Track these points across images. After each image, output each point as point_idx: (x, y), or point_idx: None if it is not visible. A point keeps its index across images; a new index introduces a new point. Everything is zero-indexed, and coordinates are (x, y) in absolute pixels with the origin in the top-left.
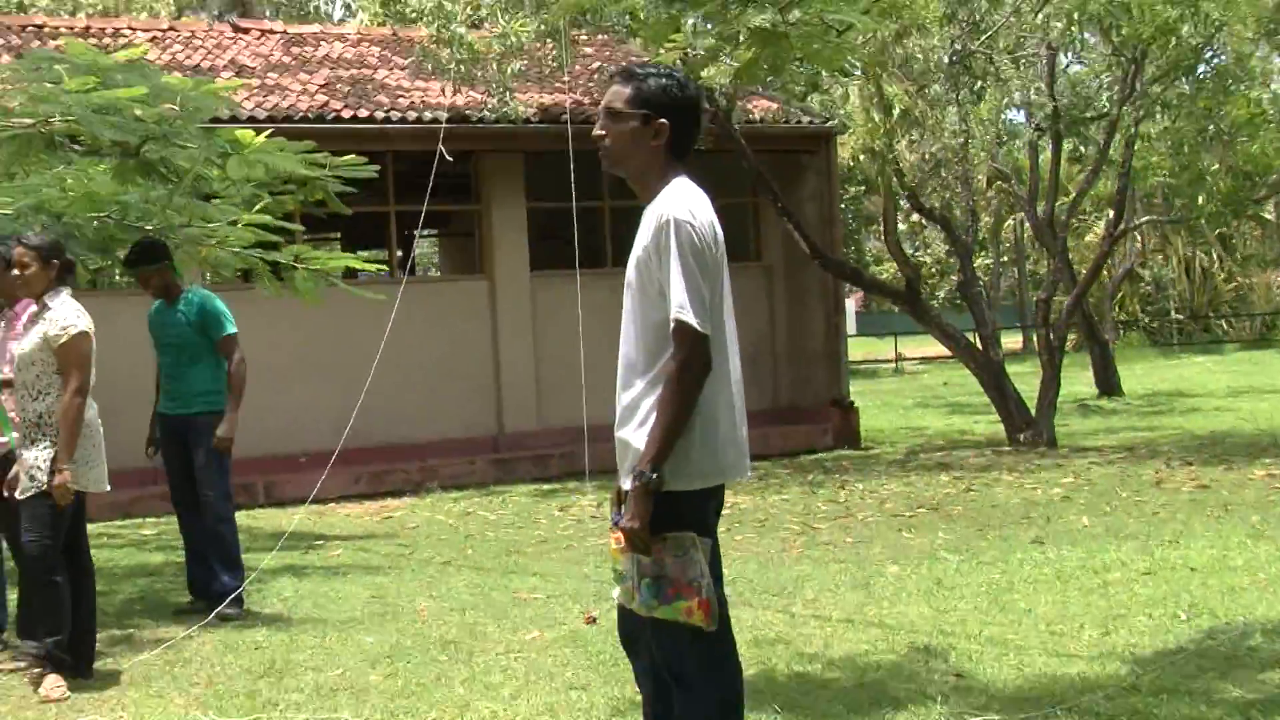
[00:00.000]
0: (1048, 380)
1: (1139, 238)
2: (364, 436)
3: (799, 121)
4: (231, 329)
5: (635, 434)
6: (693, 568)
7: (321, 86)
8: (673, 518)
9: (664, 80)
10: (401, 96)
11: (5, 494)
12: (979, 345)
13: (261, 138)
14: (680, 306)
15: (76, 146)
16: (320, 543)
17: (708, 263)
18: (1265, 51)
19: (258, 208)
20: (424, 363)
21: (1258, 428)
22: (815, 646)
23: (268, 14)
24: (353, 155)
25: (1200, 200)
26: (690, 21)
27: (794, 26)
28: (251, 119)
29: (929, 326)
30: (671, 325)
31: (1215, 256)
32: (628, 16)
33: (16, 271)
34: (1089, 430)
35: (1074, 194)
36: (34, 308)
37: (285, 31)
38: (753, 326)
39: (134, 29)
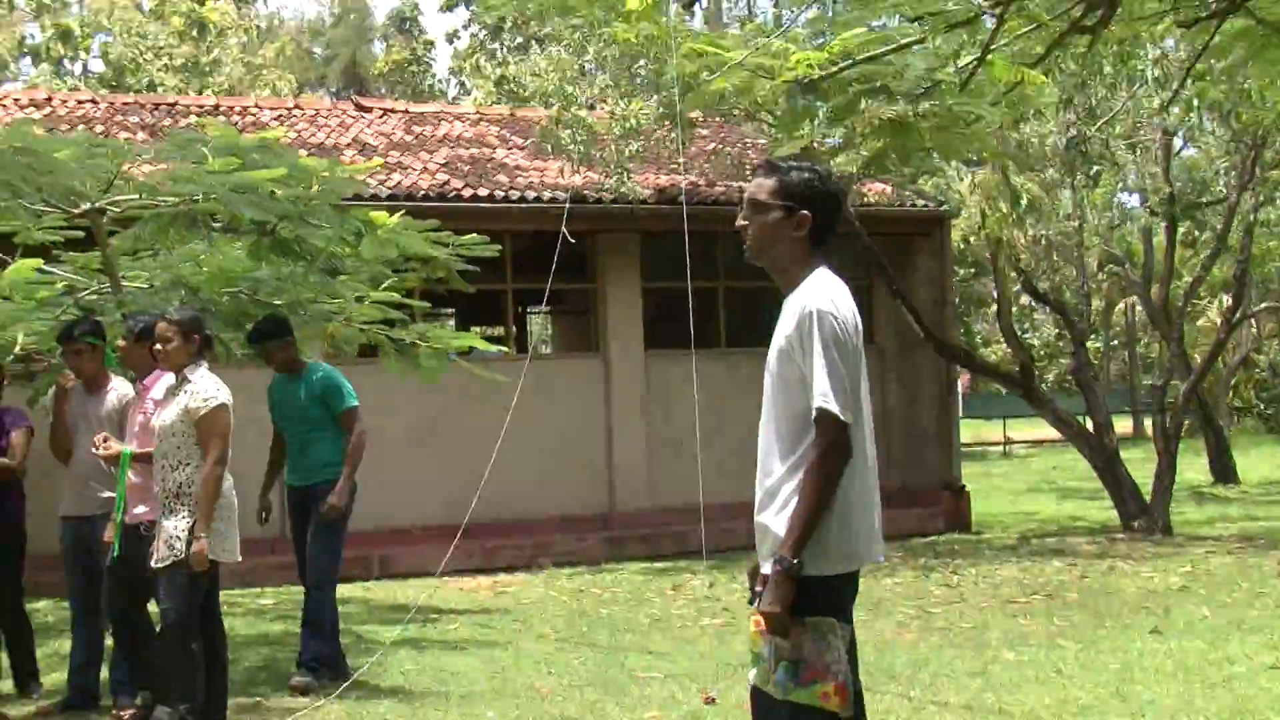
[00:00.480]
0: (1163, 467)
1: (1254, 324)
2: (478, 512)
3: (913, 205)
4: (353, 402)
5: (775, 519)
6: (830, 652)
7: (442, 165)
8: (811, 602)
9: (807, 174)
10: (520, 176)
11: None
12: (1092, 430)
13: (394, 218)
14: (824, 395)
15: (215, 224)
16: (437, 617)
17: (849, 353)
18: None
19: (384, 285)
20: (538, 439)
21: None
22: None
23: (382, 92)
24: (474, 234)
25: None
26: (821, 111)
27: (923, 118)
28: (374, 196)
29: (1043, 411)
30: (814, 413)
31: None
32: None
33: (159, 345)
34: (1204, 518)
35: (1189, 279)
36: (171, 381)
37: (406, 111)
38: None
39: (260, 107)
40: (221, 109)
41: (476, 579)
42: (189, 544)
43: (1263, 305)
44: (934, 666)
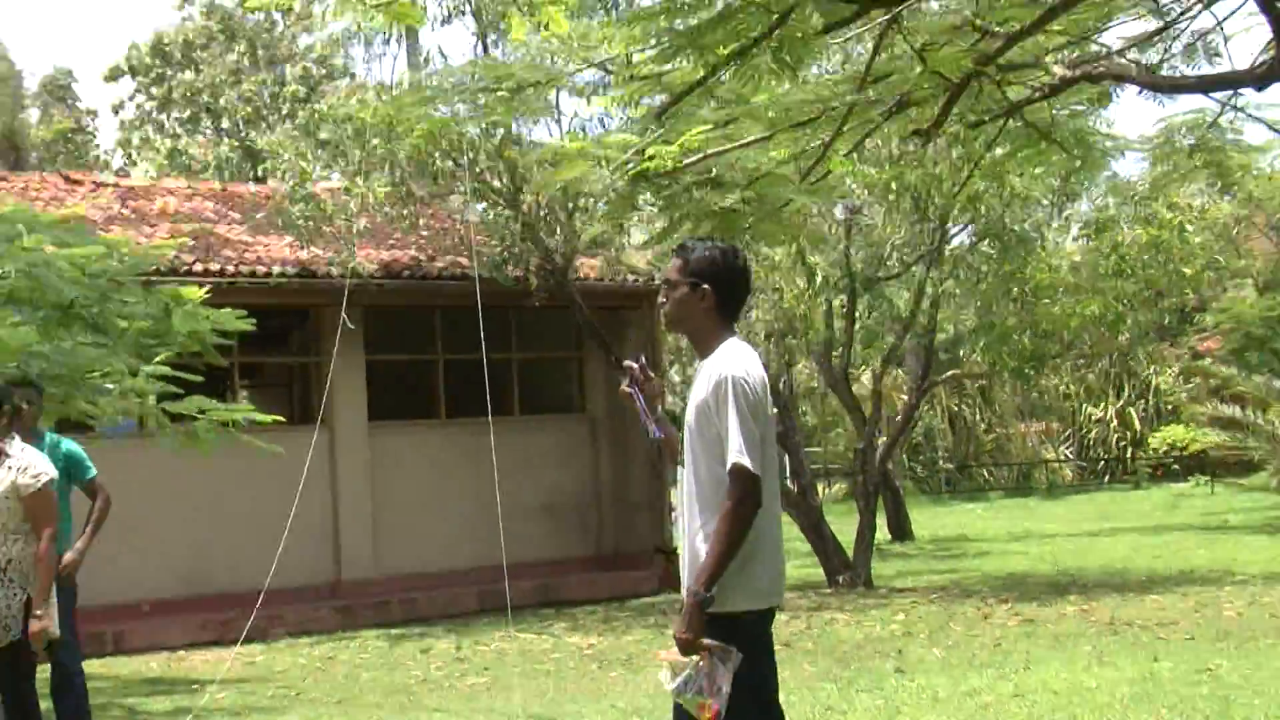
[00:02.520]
0: (864, 525)
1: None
2: (206, 582)
3: (624, 279)
4: (95, 471)
5: (697, 561)
6: (721, 677)
7: (165, 240)
8: (719, 633)
9: (710, 252)
10: (247, 250)
11: None
12: (797, 491)
13: (200, 293)
14: (738, 451)
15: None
16: (195, 688)
17: (759, 413)
18: (1057, 223)
19: (158, 359)
20: (264, 510)
21: (1053, 568)
22: None
23: (41, 161)
24: (228, 309)
25: (1005, 356)
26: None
27: (745, 204)
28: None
29: None
30: (729, 467)
31: (976, 408)
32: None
33: None
34: (893, 572)
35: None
36: None
37: (117, 184)
38: (578, 475)
39: None
40: None
41: (213, 650)
42: (25, 621)
43: (948, 374)
44: None
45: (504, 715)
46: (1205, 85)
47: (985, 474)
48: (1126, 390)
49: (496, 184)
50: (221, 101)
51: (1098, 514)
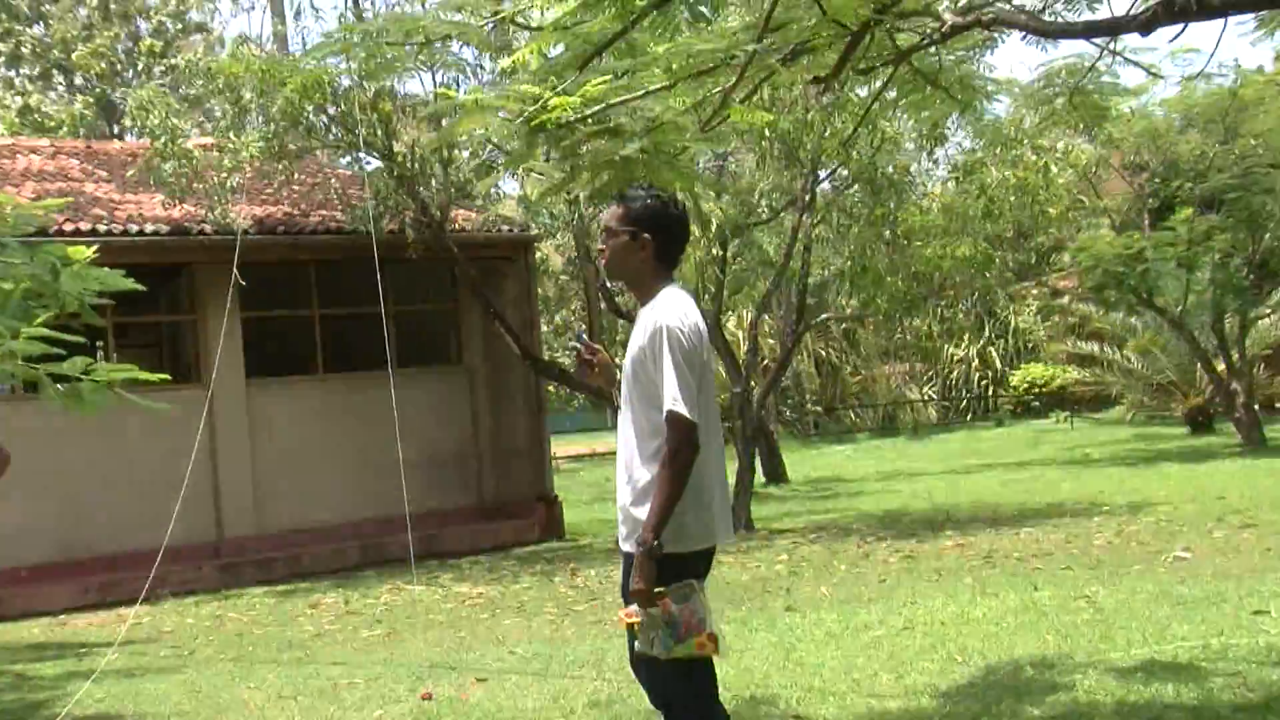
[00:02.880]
0: (743, 469)
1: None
2: (85, 546)
3: (499, 230)
4: None
5: (639, 509)
6: (697, 610)
7: (33, 199)
8: (673, 575)
9: (649, 200)
10: (118, 209)
11: None
12: None
13: (88, 252)
14: (674, 399)
15: None
16: (85, 650)
17: (694, 361)
18: (926, 166)
19: (39, 320)
20: (142, 472)
21: (928, 505)
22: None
23: None
24: (106, 269)
25: (879, 300)
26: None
27: (644, 153)
28: None
29: None
30: (665, 414)
31: (842, 351)
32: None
33: None
34: (771, 514)
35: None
36: None
37: None
38: (456, 427)
39: None
40: None
41: (98, 614)
42: None
43: (823, 316)
44: (614, 654)
45: (403, 666)
46: (1092, 31)
47: (852, 416)
48: (987, 330)
49: (370, 137)
50: (74, 57)
51: (963, 452)
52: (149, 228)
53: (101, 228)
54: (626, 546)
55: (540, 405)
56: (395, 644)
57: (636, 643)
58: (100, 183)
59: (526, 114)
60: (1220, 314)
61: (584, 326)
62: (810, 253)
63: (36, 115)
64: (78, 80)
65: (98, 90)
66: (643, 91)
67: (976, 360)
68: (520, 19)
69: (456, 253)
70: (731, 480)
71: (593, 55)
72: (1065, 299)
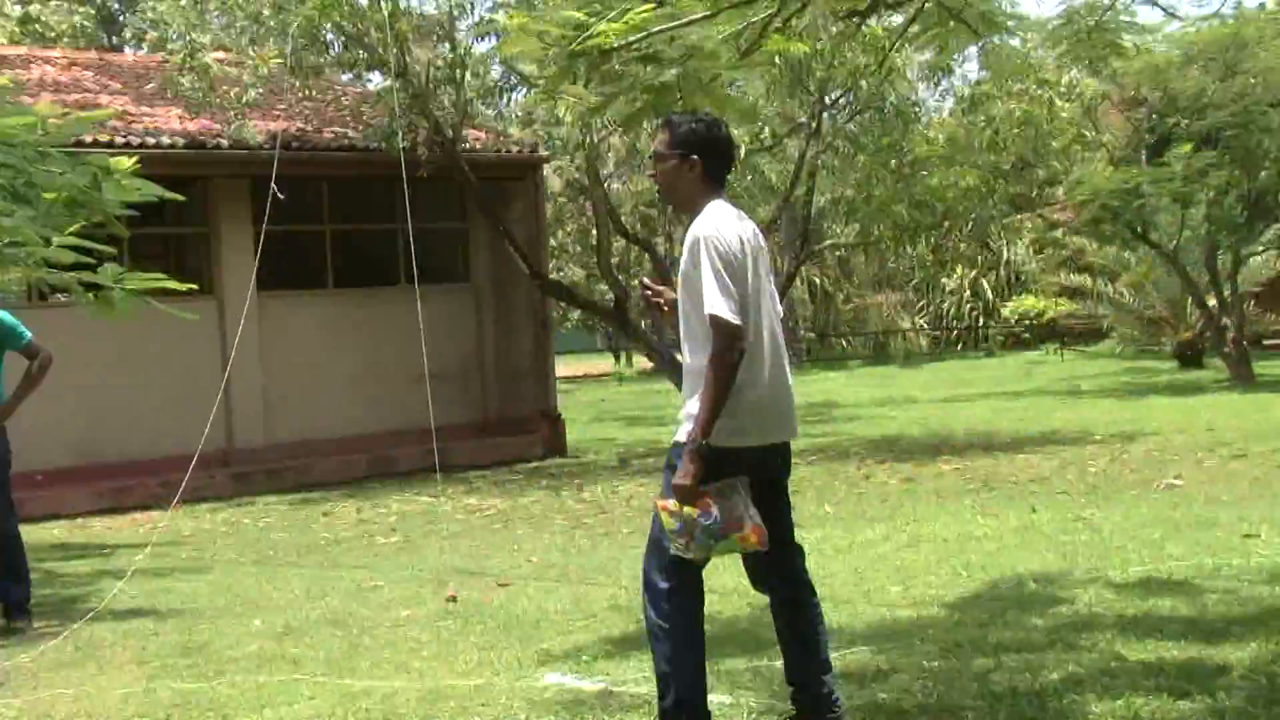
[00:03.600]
0: None
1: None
2: (99, 452)
3: (508, 150)
4: (29, 335)
5: (693, 405)
6: (738, 506)
7: (100, 110)
8: (715, 472)
9: (694, 124)
10: (134, 121)
11: None
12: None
13: (129, 163)
14: (713, 304)
15: None
16: (108, 551)
17: (735, 266)
18: (933, 97)
19: (70, 229)
20: (154, 379)
21: (924, 431)
22: None
23: None
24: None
25: (882, 228)
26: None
27: (681, 80)
28: None
29: (637, 344)
30: (708, 320)
31: (836, 279)
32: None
33: None
34: None
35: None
36: None
37: None
38: (462, 343)
39: None
40: None
41: (114, 518)
42: None
43: (826, 243)
44: (628, 563)
45: (424, 570)
46: None
47: (844, 343)
48: (980, 262)
49: (385, 56)
50: None
51: (955, 381)
52: (165, 140)
53: (119, 140)
54: (679, 437)
55: (545, 324)
56: (412, 551)
57: (670, 545)
58: (115, 95)
59: (570, 39)
60: (1214, 250)
61: (646, 279)
62: (815, 180)
63: (37, 25)
64: None
65: (98, 1)
66: (686, 20)
67: (968, 291)
68: None
69: (467, 172)
70: None
71: None
72: (1059, 232)
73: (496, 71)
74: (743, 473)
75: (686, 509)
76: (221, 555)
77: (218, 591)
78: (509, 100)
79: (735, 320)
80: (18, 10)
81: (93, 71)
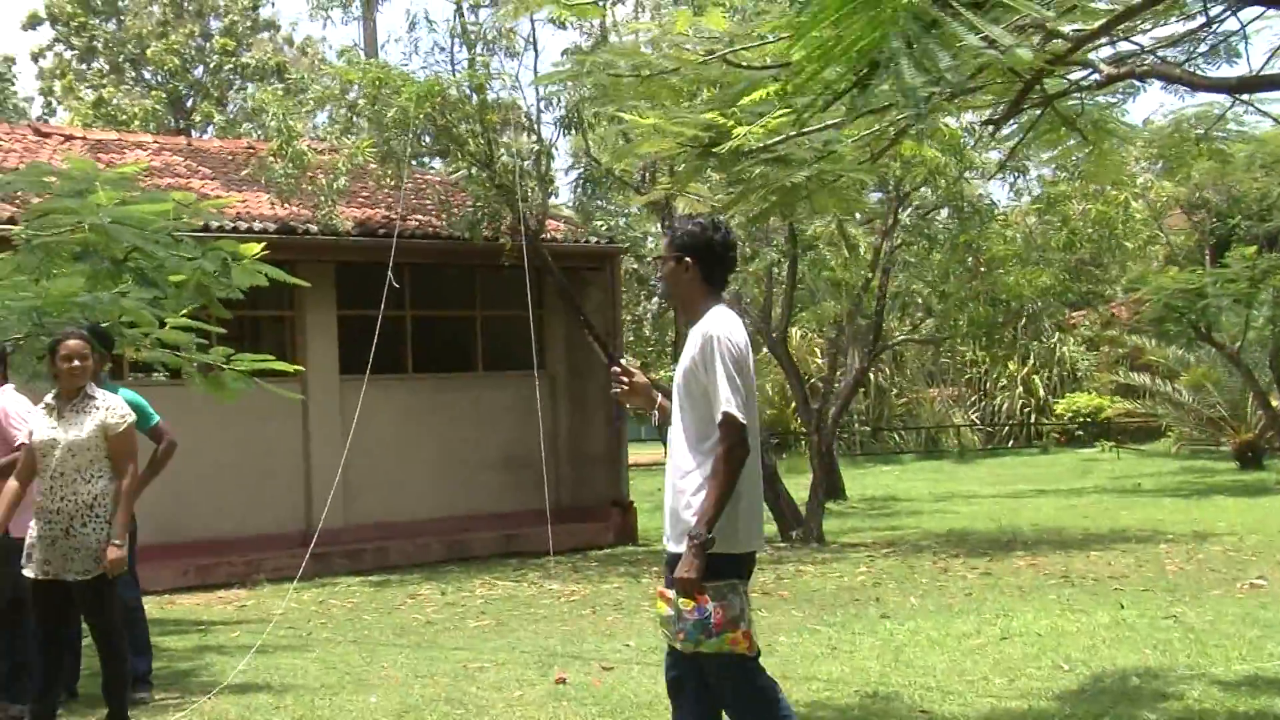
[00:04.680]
0: (817, 483)
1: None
2: (184, 530)
3: (587, 240)
4: (157, 417)
5: (687, 511)
6: (733, 608)
7: (223, 197)
8: (714, 573)
9: (693, 227)
10: (193, 205)
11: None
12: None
13: (257, 249)
14: (726, 401)
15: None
16: (203, 628)
17: (743, 370)
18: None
19: (183, 311)
20: (238, 460)
21: (991, 526)
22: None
23: None
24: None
25: (959, 323)
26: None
27: (809, 181)
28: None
29: None
30: (719, 417)
31: (889, 373)
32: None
33: (76, 362)
34: (837, 529)
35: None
36: (51, 397)
37: (85, 138)
38: (536, 431)
39: None
40: None
41: (198, 595)
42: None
43: (899, 338)
44: None
45: (525, 653)
46: (1245, 87)
47: (896, 437)
48: (1031, 357)
49: (473, 145)
50: (148, 53)
51: (1013, 477)
52: (257, 225)
53: (213, 224)
54: (672, 546)
55: (619, 412)
56: (506, 633)
57: (662, 633)
58: (205, 179)
59: (701, 140)
60: (1277, 351)
61: (623, 359)
62: (889, 275)
63: (109, 108)
64: (146, 74)
65: (170, 85)
66: (822, 125)
67: (1021, 387)
68: (731, 58)
69: (549, 261)
70: (804, 494)
71: (831, 102)
72: (1115, 329)
73: (566, 163)
74: (740, 574)
75: (683, 601)
76: (318, 634)
77: (325, 669)
78: (592, 192)
79: (744, 420)
80: (90, 95)
81: (182, 156)
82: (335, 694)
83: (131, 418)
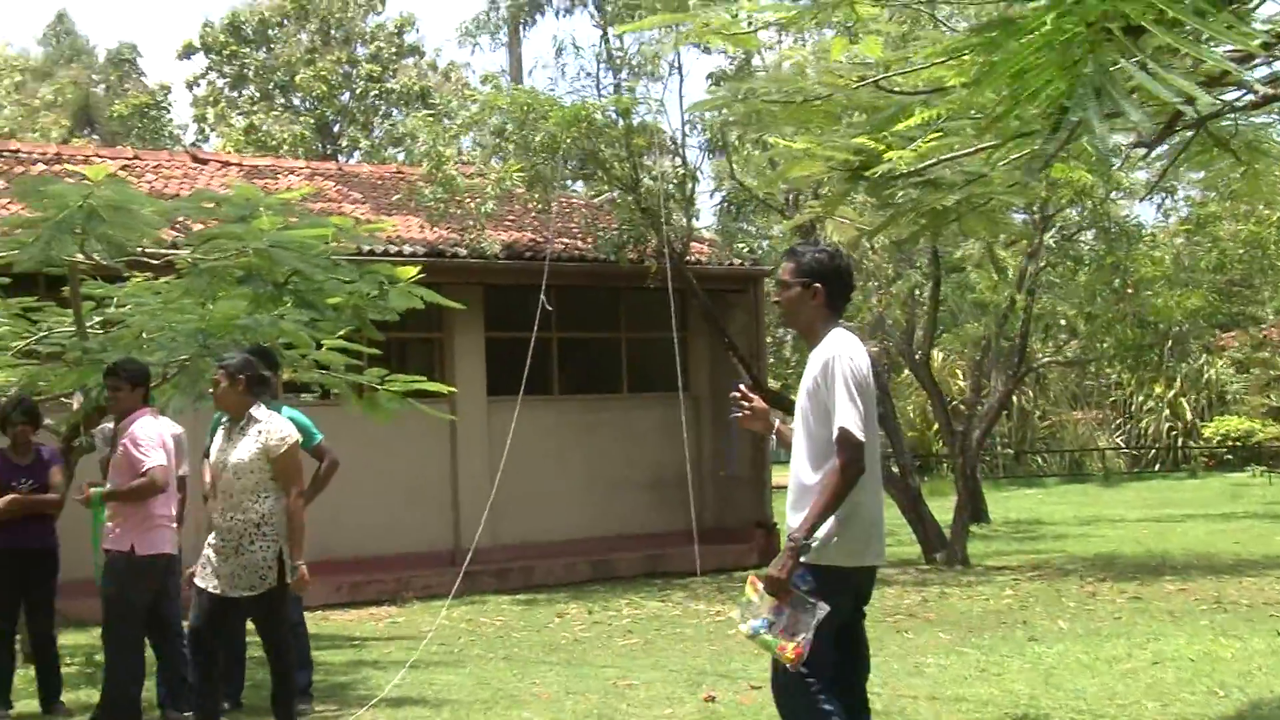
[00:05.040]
0: (961, 505)
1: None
2: (335, 548)
3: (731, 263)
4: (320, 436)
5: (797, 517)
6: (800, 624)
7: (377, 221)
8: (816, 583)
9: (818, 254)
10: (350, 230)
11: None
12: (898, 473)
13: (413, 272)
14: (844, 418)
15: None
16: (357, 643)
17: (864, 390)
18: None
19: (339, 333)
20: (390, 480)
21: (1139, 550)
22: (927, 716)
23: (113, 135)
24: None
25: (1107, 345)
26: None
27: (959, 204)
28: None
29: None
30: (836, 434)
31: (1032, 395)
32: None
33: (212, 391)
34: (981, 552)
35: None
36: (227, 420)
37: (240, 164)
38: (680, 452)
39: (101, 156)
40: (64, 157)
41: (349, 611)
42: (280, 571)
43: (1044, 359)
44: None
45: (674, 671)
46: None
47: (1039, 460)
48: (1178, 380)
49: (618, 170)
50: (297, 79)
51: (1159, 501)
52: (407, 249)
53: (364, 248)
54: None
55: (733, 434)
56: (654, 652)
57: (737, 612)
58: (355, 204)
59: (851, 164)
60: None
61: (741, 385)
62: (1033, 296)
63: (260, 135)
64: (294, 101)
65: (317, 111)
66: (974, 149)
67: (1167, 410)
68: (884, 84)
69: (694, 284)
70: (946, 516)
71: (1001, 144)
72: (1267, 352)
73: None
74: (849, 595)
75: (766, 597)
76: (468, 651)
77: (478, 684)
78: (736, 215)
79: (862, 437)
80: (241, 121)
81: (333, 181)
82: (489, 709)
83: (293, 438)
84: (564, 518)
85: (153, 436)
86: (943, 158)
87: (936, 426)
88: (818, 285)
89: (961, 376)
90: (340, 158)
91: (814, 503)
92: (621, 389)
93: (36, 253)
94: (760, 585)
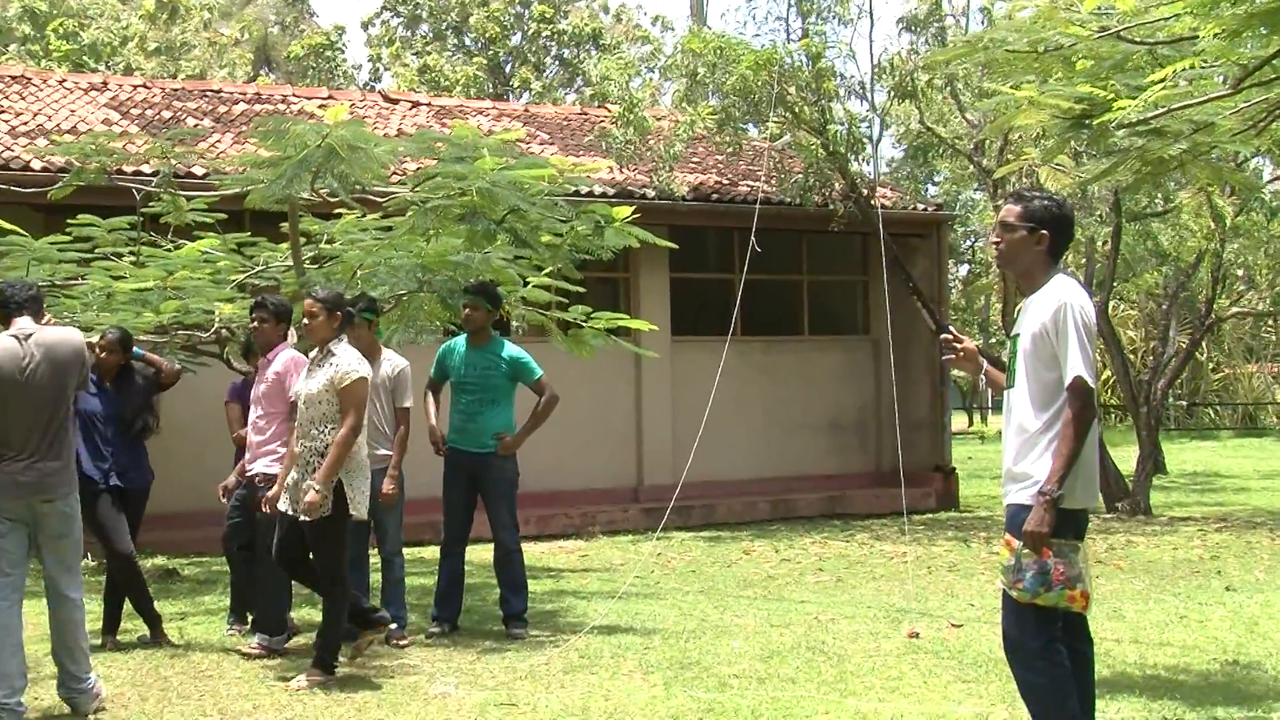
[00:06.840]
0: (1144, 455)
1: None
2: (526, 482)
3: (914, 208)
4: (540, 372)
5: (1035, 464)
6: (1074, 567)
7: (593, 163)
8: (1060, 528)
9: (1046, 202)
10: (568, 171)
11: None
12: None
13: (627, 212)
14: (1077, 367)
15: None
16: (554, 574)
17: (1092, 336)
18: None
19: (545, 271)
20: (576, 418)
21: None
22: (1133, 659)
23: (289, 75)
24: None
25: None
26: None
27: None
28: None
29: None
30: (1069, 380)
31: (1206, 346)
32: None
33: (305, 320)
34: (1162, 503)
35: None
36: (314, 353)
37: (429, 104)
38: (861, 395)
39: (299, 96)
40: (264, 98)
41: (539, 544)
42: (339, 501)
43: (1232, 311)
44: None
45: (872, 607)
46: None
47: (1212, 413)
48: None
49: (807, 113)
50: (471, 20)
51: None
52: (597, 190)
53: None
54: (1011, 496)
55: (944, 378)
56: (848, 590)
57: (1001, 580)
58: (544, 144)
59: (1075, 112)
60: None
61: (950, 327)
62: (1224, 245)
63: (433, 74)
64: (467, 41)
65: (489, 52)
66: (1206, 98)
67: None
68: (1125, 35)
69: (880, 228)
70: (1125, 467)
71: (1245, 76)
72: None
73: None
74: (1080, 531)
75: (1026, 553)
76: (665, 584)
77: (681, 615)
78: (923, 160)
79: (1093, 384)
80: (415, 61)
81: (520, 122)
82: (698, 638)
83: (358, 373)
84: (745, 457)
85: (298, 369)
86: (1173, 107)
87: (1107, 375)
88: (1044, 232)
89: (1129, 327)
90: (510, 98)
91: (1056, 454)
92: (803, 331)
93: (279, 190)
94: (1015, 544)
